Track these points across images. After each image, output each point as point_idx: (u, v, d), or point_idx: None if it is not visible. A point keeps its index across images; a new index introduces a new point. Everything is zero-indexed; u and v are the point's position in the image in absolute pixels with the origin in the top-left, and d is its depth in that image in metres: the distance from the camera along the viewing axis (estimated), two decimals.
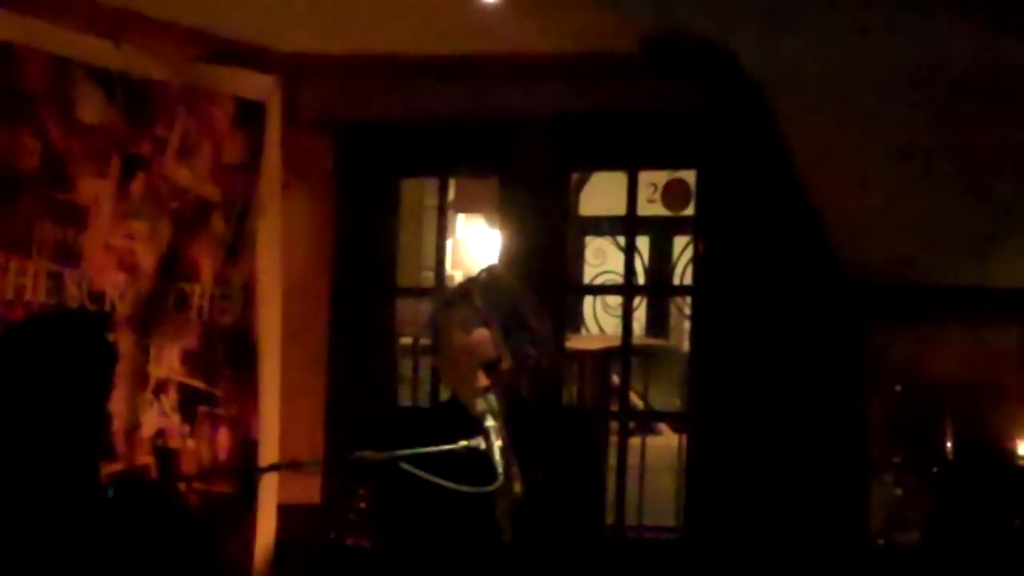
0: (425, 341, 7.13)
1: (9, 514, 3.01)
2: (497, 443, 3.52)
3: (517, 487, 3.62)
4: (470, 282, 3.85)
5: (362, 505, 5.84)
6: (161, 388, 5.42)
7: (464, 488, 3.44)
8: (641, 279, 6.89)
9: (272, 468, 5.77)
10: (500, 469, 3.49)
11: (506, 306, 3.73)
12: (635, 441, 6.84)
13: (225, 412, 5.66)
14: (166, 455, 5.43)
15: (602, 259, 11.29)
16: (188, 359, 5.52)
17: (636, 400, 8.55)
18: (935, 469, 6.12)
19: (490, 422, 3.56)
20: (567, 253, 6.49)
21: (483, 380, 3.66)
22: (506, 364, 3.69)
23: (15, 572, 2.98)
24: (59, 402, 3.08)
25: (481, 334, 3.68)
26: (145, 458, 5.34)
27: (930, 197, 5.70)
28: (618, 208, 6.46)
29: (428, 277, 7.84)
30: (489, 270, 3.88)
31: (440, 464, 3.48)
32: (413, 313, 6.84)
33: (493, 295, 3.74)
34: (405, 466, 3.49)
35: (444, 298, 3.90)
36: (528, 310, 3.76)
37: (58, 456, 3.07)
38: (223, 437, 5.66)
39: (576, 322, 10.10)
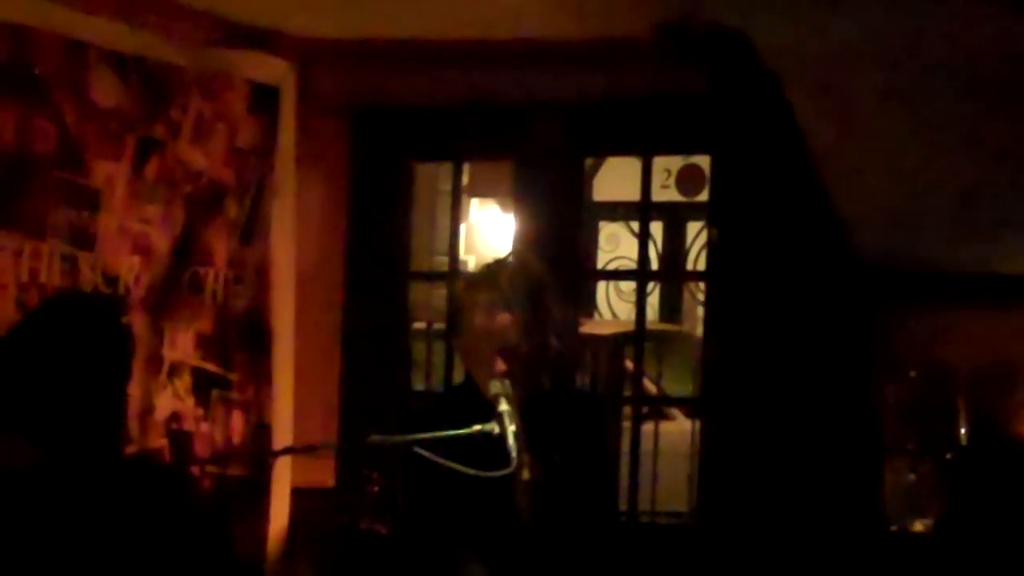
0: (439, 326, 7.15)
1: (33, 492, 3.03)
2: (511, 428, 3.53)
3: (528, 472, 3.62)
4: (498, 264, 3.85)
5: (376, 489, 5.85)
6: (175, 371, 5.43)
7: (476, 472, 3.45)
8: (655, 264, 6.87)
9: (286, 452, 5.76)
10: (513, 454, 3.49)
11: (531, 293, 3.73)
12: (648, 426, 6.83)
13: (239, 396, 5.67)
14: (180, 438, 5.43)
15: (615, 244, 11.30)
16: (202, 343, 5.52)
17: (649, 385, 8.55)
18: (949, 455, 6.11)
19: (504, 406, 3.57)
20: (581, 238, 6.48)
21: (500, 365, 3.67)
22: (524, 349, 3.69)
23: (31, 551, 3.00)
24: (79, 383, 3.09)
25: (504, 318, 3.68)
26: (159, 441, 5.35)
27: (944, 184, 5.69)
28: (632, 193, 6.45)
29: (442, 262, 7.84)
30: (517, 254, 3.88)
31: (456, 448, 3.48)
32: (427, 297, 6.85)
33: (520, 281, 3.74)
34: (419, 450, 3.50)
35: (469, 278, 3.90)
36: (551, 300, 3.76)
37: (81, 437, 3.09)
38: (237, 421, 5.66)
39: (589, 307, 10.11)
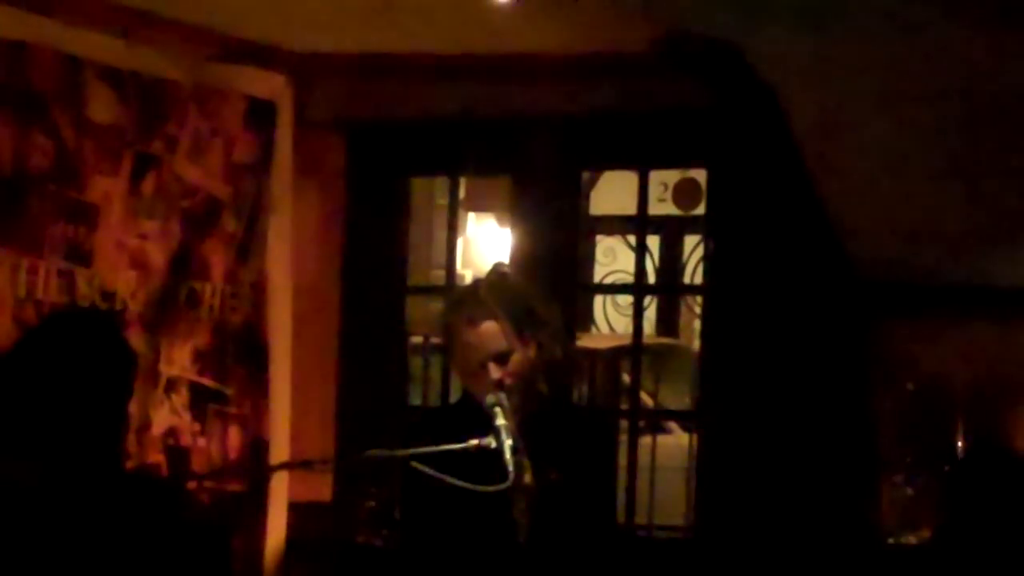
0: (435, 340, 7.15)
1: (34, 508, 3.03)
2: (508, 442, 3.53)
3: (528, 485, 3.63)
4: (477, 281, 3.88)
5: (373, 504, 5.85)
6: (172, 387, 5.42)
7: (473, 487, 3.45)
8: (651, 278, 6.88)
9: (283, 467, 5.78)
10: (511, 468, 3.49)
11: (514, 300, 3.75)
12: (645, 440, 6.83)
13: (236, 410, 5.67)
14: (177, 454, 5.43)
15: (612, 258, 11.31)
16: (199, 358, 5.52)
17: (646, 399, 8.55)
18: (946, 468, 6.11)
19: (500, 420, 3.57)
20: (578, 252, 6.49)
21: (495, 372, 3.68)
22: (518, 355, 3.70)
23: (31, 566, 3.00)
24: (81, 400, 3.10)
25: (489, 326, 3.70)
26: (156, 457, 5.35)
27: (942, 196, 5.70)
28: (629, 207, 6.46)
29: (439, 276, 7.83)
30: (496, 269, 3.90)
31: (455, 463, 3.49)
32: (424, 312, 6.85)
33: (500, 290, 3.76)
34: (416, 465, 3.51)
35: (453, 298, 3.93)
36: (537, 302, 3.78)
37: (82, 453, 3.09)
38: (234, 435, 5.66)
39: (587, 321, 10.10)
